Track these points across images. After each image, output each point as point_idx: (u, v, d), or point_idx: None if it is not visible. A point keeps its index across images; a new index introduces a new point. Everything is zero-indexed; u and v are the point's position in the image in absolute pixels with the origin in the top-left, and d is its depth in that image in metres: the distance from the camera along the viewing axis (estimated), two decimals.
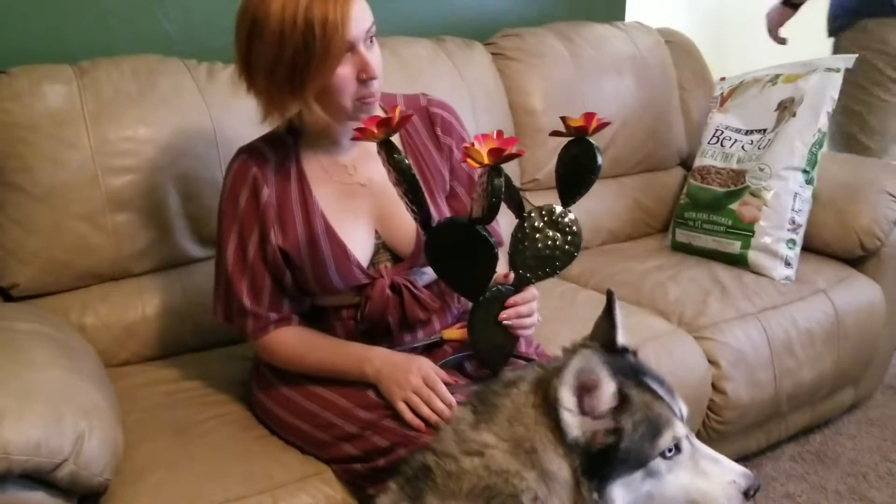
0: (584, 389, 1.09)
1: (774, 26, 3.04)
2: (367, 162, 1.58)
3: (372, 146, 1.38)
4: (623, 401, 1.10)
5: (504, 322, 1.49)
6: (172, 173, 1.89)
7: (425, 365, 1.50)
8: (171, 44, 2.13)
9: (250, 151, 1.59)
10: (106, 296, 1.88)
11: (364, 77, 1.46)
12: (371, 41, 1.48)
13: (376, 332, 1.60)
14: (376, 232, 1.61)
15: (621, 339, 1.27)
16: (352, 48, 1.44)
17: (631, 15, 3.14)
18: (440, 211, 1.64)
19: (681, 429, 1.14)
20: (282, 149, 1.60)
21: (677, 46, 2.87)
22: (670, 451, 1.13)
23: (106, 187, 1.83)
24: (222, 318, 1.62)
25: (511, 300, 1.49)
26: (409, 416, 1.45)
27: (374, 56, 1.47)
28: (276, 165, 1.58)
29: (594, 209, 2.62)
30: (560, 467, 1.09)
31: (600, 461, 1.09)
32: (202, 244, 1.96)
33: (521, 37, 2.58)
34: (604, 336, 1.27)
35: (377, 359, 1.53)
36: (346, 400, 1.53)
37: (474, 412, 1.17)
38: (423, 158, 1.66)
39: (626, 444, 1.09)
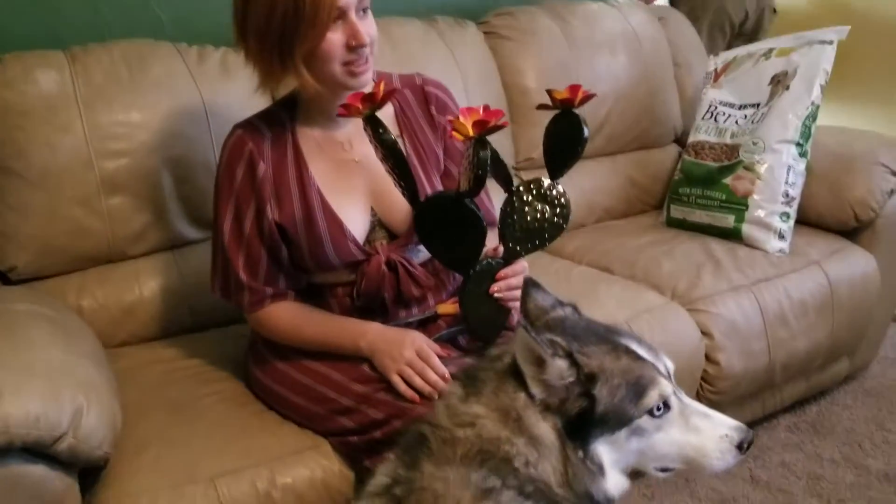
0: (538, 363, 1.11)
1: None
2: (362, 138, 1.60)
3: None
4: (588, 374, 1.11)
5: (495, 295, 1.51)
6: (165, 156, 1.91)
7: (418, 338, 1.52)
8: (161, 28, 2.14)
9: (246, 127, 1.61)
10: (103, 278, 1.90)
11: (353, 44, 1.47)
12: (364, 12, 1.50)
13: (372, 308, 1.62)
14: (372, 209, 1.63)
15: (562, 298, 1.30)
16: (342, 15, 1.45)
17: None
18: (435, 189, 1.65)
19: (667, 387, 1.14)
20: (277, 125, 1.61)
21: (671, 23, 2.86)
22: (659, 409, 1.13)
23: (100, 171, 1.85)
24: (219, 292, 1.64)
25: (501, 273, 1.51)
26: (403, 388, 1.47)
27: (365, 25, 1.49)
28: (272, 141, 1.59)
29: (589, 187, 2.63)
30: (545, 431, 1.11)
31: (579, 423, 1.10)
32: (197, 226, 1.98)
33: (514, 15, 2.58)
34: (564, 303, 1.29)
35: (371, 333, 1.55)
36: (340, 374, 1.55)
37: (463, 387, 1.19)
38: (417, 137, 1.67)
39: (602, 408, 1.10)
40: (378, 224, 1.63)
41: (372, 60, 1.53)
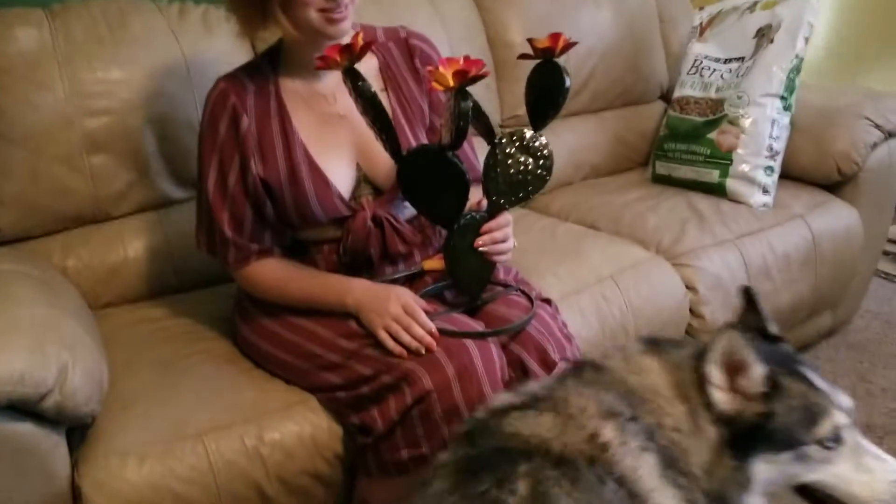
0: (733, 369, 1.09)
1: None
2: (346, 92, 1.59)
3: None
4: (774, 386, 1.10)
5: (480, 249, 1.51)
6: (147, 114, 1.89)
7: (404, 293, 1.52)
8: None
9: (229, 80, 1.60)
10: (87, 239, 1.90)
11: None
12: None
13: (358, 264, 1.62)
14: (357, 164, 1.62)
15: (772, 329, 1.27)
16: None
17: None
18: (420, 143, 1.65)
19: (842, 419, 1.12)
20: (261, 78, 1.61)
21: None
22: (831, 441, 1.11)
23: (82, 129, 1.83)
24: (205, 248, 1.64)
25: (485, 226, 1.51)
26: (390, 343, 1.47)
27: None
28: (255, 94, 1.59)
29: (575, 144, 2.63)
30: (708, 429, 1.10)
31: (746, 436, 1.09)
32: (181, 185, 1.97)
33: None
34: (753, 324, 1.26)
35: (357, 289, 1.55)
36: (327, 330, 1.56)
37: (644, 345, 1.19)
38: (402, 91, 1.67)
39: (774, 426, 1.09)
40: (363, 179, 1.63)
41: (352, 9, 1.52)
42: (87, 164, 1.85)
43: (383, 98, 1.62)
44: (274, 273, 1.62)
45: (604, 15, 2.65)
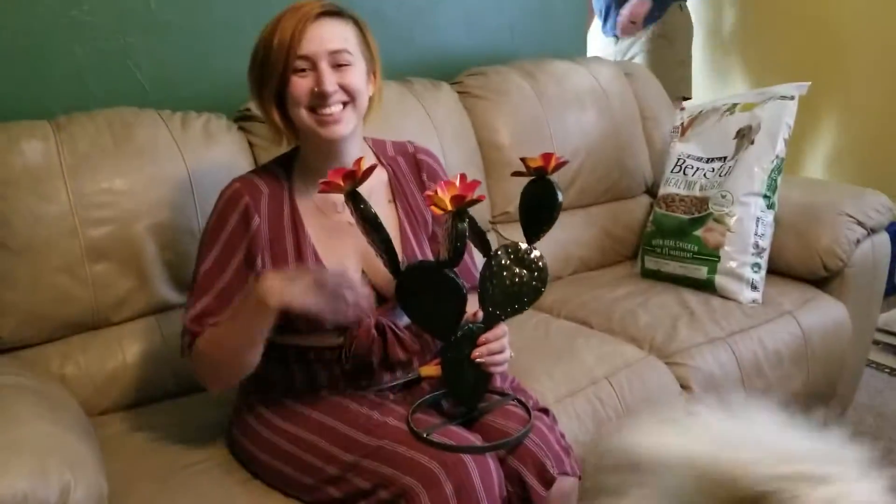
0: None
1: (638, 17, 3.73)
2: None
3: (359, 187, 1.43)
4: None
5: (476, 360, 1.52)
6: (149, 223, 1.93)
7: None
8: (145, 95, 2.18)
9: (244, 182, 1.64)
10: (86, 345, 1.91)
11: (315, 90, 1.54)
12: (340, 67, 1.56)
13: (358, 371, 1.63)
14: (362, 271, 1.65)
15: None
16: (314, 65, 1.54)
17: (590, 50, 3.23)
18: (424, 254, 1.69)
19: None
20: (274, 183, 1.65)
21: (637, 78, 2.95)
22: None
23: (84, 239, 1.86)
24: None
25: (482, 338, 1.53)
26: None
27: (340, 76, 1.55)
28: (269, 198, 1.62)
29: (564, 239, 2.68)
30: None
31: None
32: (179, 290, 1.98)
33: (486, 75, 2.65)
34: None
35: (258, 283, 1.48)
36: (326, 441, 1.55)
37: None
38: (408, 202, 1.72)
39: None
40: (368, 286, 1.65)
41: (350, 115, 1.59)
42: (89, 272, 1.87)
43: (391, 209, 1.69)
44: (205, 342, 1.57)
45: (589, 115, 2.73)
